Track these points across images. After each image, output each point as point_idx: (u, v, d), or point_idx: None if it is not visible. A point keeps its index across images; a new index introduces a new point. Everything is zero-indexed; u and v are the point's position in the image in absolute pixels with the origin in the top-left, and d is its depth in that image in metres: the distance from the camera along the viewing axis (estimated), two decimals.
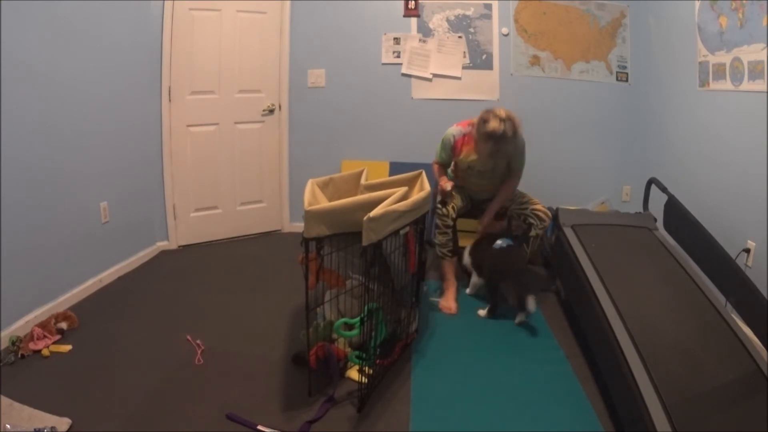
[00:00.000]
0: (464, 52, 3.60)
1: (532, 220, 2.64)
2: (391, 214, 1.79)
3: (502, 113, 2.39)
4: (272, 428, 1.65)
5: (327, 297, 2.10)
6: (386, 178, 2.35)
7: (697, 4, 2.76)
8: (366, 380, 1.80)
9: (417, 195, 2.05)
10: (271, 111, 3.68)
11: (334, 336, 1.94)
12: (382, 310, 1.89)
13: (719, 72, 2.58)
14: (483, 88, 3.62)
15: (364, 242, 1.67)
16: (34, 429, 1.57)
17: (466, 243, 2.84)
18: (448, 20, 3.59)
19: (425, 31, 3.61)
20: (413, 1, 3.57)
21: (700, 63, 2.78)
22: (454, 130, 2.69)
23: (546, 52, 3.58)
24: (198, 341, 2.22)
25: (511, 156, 2.58)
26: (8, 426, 1.57)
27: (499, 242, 2.54)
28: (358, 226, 1.68)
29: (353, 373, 1.93)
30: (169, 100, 3.27)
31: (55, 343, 2.16)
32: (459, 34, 3.59)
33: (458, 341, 2.32)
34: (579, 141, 3.70)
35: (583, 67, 3.59)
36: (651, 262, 2.28)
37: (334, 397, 1.84)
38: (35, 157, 2.30)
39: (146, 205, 3.26)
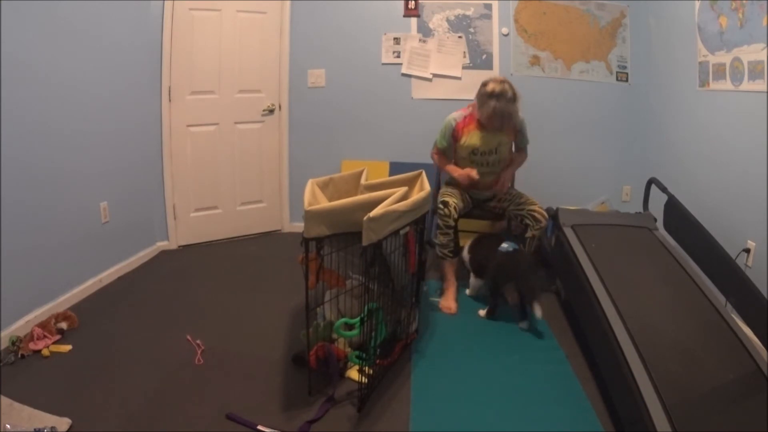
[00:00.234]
0: (464, 52, 3.60)
1: (528, 221, 2.62)
2: (391, 214, 1.79)
3: (500, 77, 2.57)
4: (272, 428, 1.65)
5: (327, 297, 2.10)
6: (386, 178, 2.35)
7: (697, 4, 2.76)
8: (366, 380, 1.80)
9: (417, 195, 2.05)
10: (271, 111, 3.68)
11: (334, 336, 1.94)
12: (382, 310, 1.89)
13: (719, 72, 2.58)
14: None
15: (364, 242, 1.67)
16: (34, 429, 1.57)
17: (467, 243, 2.84)
18: (448, 20, 3.59)
19: (425, 31, 3.61)
20: (413, 1, 3.57)
21: (700, 63, 2.78)
22: (455, 114, 2.72)
23: (546, 52, 3.58)
24: (198, 341, 2.22)
25: (512, 116, 2.55)
26: (8, 426, 1.57)
27: (504, 245, 2.49)
28: (358, 226, 1.68)
29: (353, 373, 1.93)
30: (169, 100, 3.27)
31: (55, 343, 2.16)
32: (459, 34, 3.59)
33: (458, 341, 2.31)
34: (579, 141, 3.70)
35: (583, 67, 3.59)
36: (651, 262, 2.28)
37: (334, 397, 1.84)
38: (35, 157, 2.30)
39: (146, 205, 3.26)
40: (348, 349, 2.03)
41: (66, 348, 2.14)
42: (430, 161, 2.94)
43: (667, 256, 2.30)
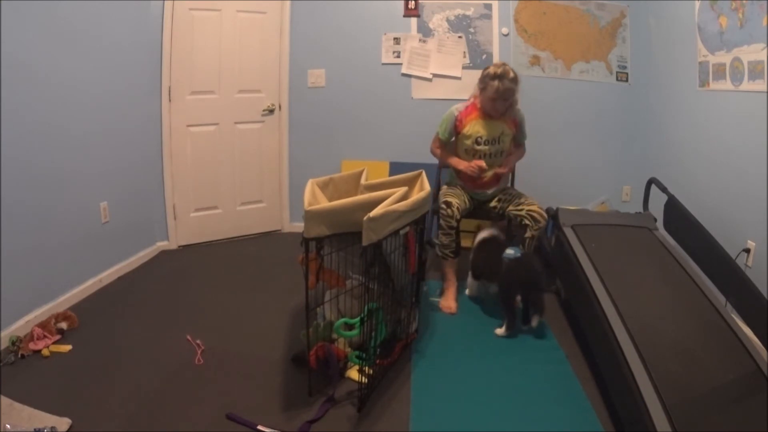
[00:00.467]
0: (464, 52, 3.60)
1: (527, 221, 2.60)
2: (391, 214, 1.79)
3: (500, 62, 2.64)
4: (272, 428, 1.65)
5: (327, 297, 2.10)
6: (386, 178, 2.35)
7: (697, 4, 2.76)
8: (366, 380, 1.80)
9: (417, 195, 2.05)
10: (271, 111, 3.68)
11: (334, 336, 1.93)
12: (382, 310, 1.89)
13: (719, 72, 2.58)
14: None
15: (364, 242, 1.67)
16: (34, 429, 1.57)
17: (468, 243, 2.83)
18: (448, 20, 3.59)
19: (425, 31, 3.61)
20: (413, 1, 3.57)
21: (700, 63, 2.78)
22: (457, 105, 2.73)
23: (546, 52, 3.58)
24: (198, 341, 2.22)
25: (515, 95, 2.59)
26: (8, 426, 1.58)
27: (509, 252, 2.43)
28: (358, 226, 1.68)
29: (353, 373, 1.93)
30: (169, 100, 3.27)
31: (55, 343, 2.16)
32: (459, 34, 3.59)
33: (458, 341, 2.32)
34: (579, 141, 3.70)
35: (583, 67, 3.59)
36: (651, 262, 2.28)
37: (334, 397, 1.84)
38: (35, 157, 2.30)
39: (146, 205, 3.26)
40: (348, 349, 2.03)
41: (66, 348, 2.14)
42: (431, 161, 2.93)
43: (667, 256, 2.30)
